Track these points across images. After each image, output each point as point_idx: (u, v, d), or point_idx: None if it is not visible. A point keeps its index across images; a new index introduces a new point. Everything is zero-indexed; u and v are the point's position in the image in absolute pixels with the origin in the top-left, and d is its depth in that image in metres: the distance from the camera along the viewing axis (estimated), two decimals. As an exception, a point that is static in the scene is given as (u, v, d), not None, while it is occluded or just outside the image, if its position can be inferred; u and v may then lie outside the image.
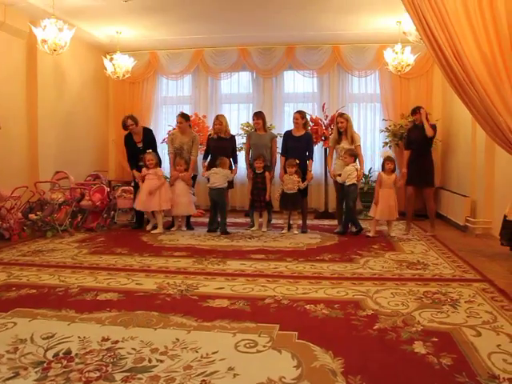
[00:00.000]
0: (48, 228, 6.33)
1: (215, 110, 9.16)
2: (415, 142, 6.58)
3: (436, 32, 4.44)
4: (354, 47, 8.83)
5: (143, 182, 6.75)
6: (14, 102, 7.08)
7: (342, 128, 6.55)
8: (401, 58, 7.65)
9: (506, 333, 2.85)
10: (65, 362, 2.47)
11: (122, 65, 8.24)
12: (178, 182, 6.78)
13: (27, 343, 2.72)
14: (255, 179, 6.72)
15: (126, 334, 2.85)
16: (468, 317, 3.14)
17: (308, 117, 7.46)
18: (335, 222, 7.05)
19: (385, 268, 4.59)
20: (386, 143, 8.51)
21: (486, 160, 6.37)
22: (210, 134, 7.18)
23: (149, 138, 7.13)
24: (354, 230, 6.55)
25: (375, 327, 2.97)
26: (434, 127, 6.58)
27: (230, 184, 6.88)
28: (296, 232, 6.60)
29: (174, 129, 8.07)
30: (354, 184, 6.37)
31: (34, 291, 3.82)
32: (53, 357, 2.54)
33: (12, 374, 2.34)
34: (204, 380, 2.28)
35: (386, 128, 8.55)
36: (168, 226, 6.98)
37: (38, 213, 6.43)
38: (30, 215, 6.39)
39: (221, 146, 6.78)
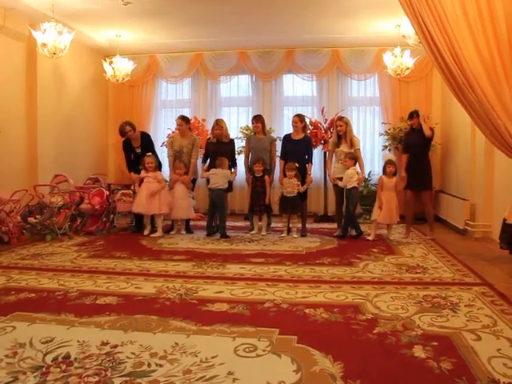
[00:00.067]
0: (47, 231, 6.33)
1: (215, 114, 9.17)
2: (413, 146, 6.60)
3: (435, 36, 4.45)
4: (353, 51, 8.84)
5: (139, 185, 6.76)
6: (14, 105, 7.07)
7: (341, 131, 6.56)
8: (400, 61, 7.66)
9: (506, 337, 2.84)
10: (64, 367, 2.46)
11: (121, 68, 8.24)
12: (177, 186, 6.78)
13: (26, 347, 2.71)
14: (255, 183, 6.72)
15: (125, 338, 2.85)
16: (468, 321, 3.14)
17: (307, 120, 7.48)
18: (335, 226, 7.04)
19: (384, 272, 4.59)
20: (386, 146, 8.52)
21: (486, 163, 6.38)
22: (209, 138, 7.17)
23: (147, 142, 7.14)
24: (353, 233, 6.55)
25: (375, 331, 2.96)
26: (432, 130, 6.61)
27: (229, 187, 6.87)
28: (295, 235, 6.59)
29: (173, 132, 8.09)
30: (354, 187, 6.38)
31: (33, 295, 3.81)
32: (52, 361, 2.53)
33: (11, 379, 2.33)
34: (203, 384, 2.28)
35: (386, 131, 8.55)
36: (167, 230, 6.97)
37: (37, 216, 6.43)
38: (30, 218, 6.39)
39: (220, 150, 6.78)
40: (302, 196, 6.63)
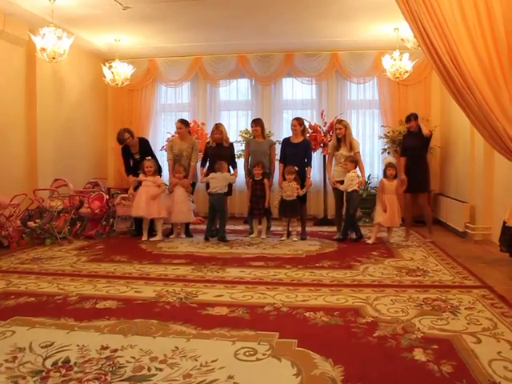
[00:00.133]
0: (47, 236, 6.32)
1: (214, 117, 9.19)
2: (411, 149, 6.61)
3: (434, 39, 4.46)
4: (352, 54, 8.86)
5: (134, 189, 6.76)
6: (13, 110, 7.08)
7: (340, 135, 6.56)
8: (399, 64, 7.68)
9: (506, 340, 2.84)
10: (64, 371, 2.46)
11: (120, 72, 8.26)
12: (177, 189, 6.78)
13: (26, 352, 2.70)
14: (254, 186, 6.71)
15: (125, 343, 2.84)
16: (468, 324, 3.13)
17: (307, 124, 7.49)
18: (334, 229, 7.04)
19: (384, 275, 4.58)
20: (385, 149, 8.52)
21: (485, 166, 6.38)
22: (208, 142, 7.17)
23: (145, 147, 7.14)
24: (353, 236, 6.55)
25: (375, 334, 2.96)
26: (430, 132, 6.65)
27: (229, 191, 6.86)
28: (295, 239, 6.59)
29: (172, 136, 8.09)
30: (355, 190, 6.38)
31: (33, 299, 3.80)
32: (51, 365, 2.53)
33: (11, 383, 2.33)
34: (203, 389, 2.27)
35: (385, 134, 8.56)
36: (167, 234, 6.97)
37: (36, 220, 6.43)
38: (29, 223, 6.38)
39: (220, 154, 6.78)
40: (302, 199, 6.63)
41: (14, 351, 2.71)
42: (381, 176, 6.57)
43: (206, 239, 6.57)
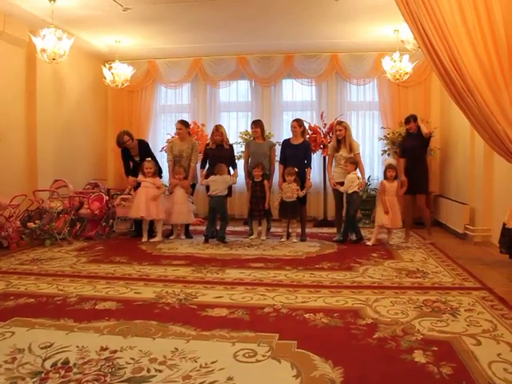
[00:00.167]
0: (47, 236, 6.32)
1: (214, 119, 9.19)
2: (409, 150, 6.61)
3: (434, 41, 4.46)
4: (352, 55, 8.86)
5: (135, 189, 6.76)
6: (13, 111, 7.08)
7: (340, 136, 6.57)
8: (399, 66, 7.68)
9: (506, 341, 2.84)
10: (63, 372, 2.46)
11: (120, 73, 8.25)
12: (177, 190, 6.78)
13: (25, 353, 2.70)
14: (254, 187, 6.71)
15: (124, 344, 2.84)
16: (468, 325, 3.13)
17: (306, 125, 7.49)
18: (334, 230, 7.04)
19: (384, 276, 4.58)
20: (385, 151, 8.53)
21: (485, 168, 6.38)
22: (207, 144, 7.16)
23: (145, 150, 7.13)
24: (353, 238, 6.54)
25: (375, 336, 2.96)
26: (430, 136, 6.67)
27: (229, 193, 6.86)
28: (295, 240, 6.59)
29: (172, 137, 8.09)
30: (355, 192, 6.38)
31: (33, 300, 3.80)
32: (51, 367, 2.52)
33: (10, 385, 2.33)
34: (203, 390, 2.27)
35: (385, 136, 8.56)
36: (167, 235, 6.97)
37: (36, 221, 6.43)
38: (29, 224, 6.38)
39: (220, 155, 6.78)
40: (302, 201, 6.63)
41: (14, 352, 2.71)
42: (381, 177, 6.57)
43: (206, 240, 6.56)
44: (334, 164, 6.77)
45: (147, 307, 3.61)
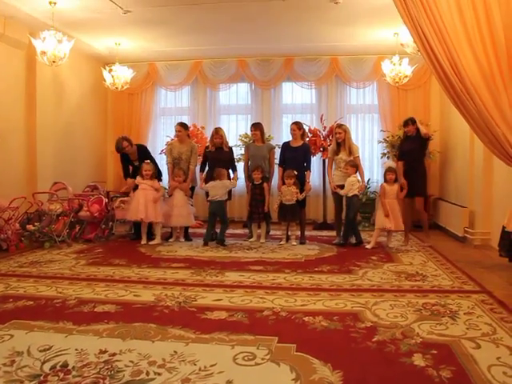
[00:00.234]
0: (46, 239, 6.32)
1: (214, 121, 9.20)
2: (407, 153, 6.61)
3: (434, 45, 4.46)
4: (351, 59, 8.88)
5: (133, 190, 6.76)
6: (13, 113, 7.09)
7: (339, 139, 6.57)
8: (398, 69, 7.70)
9: (505, 345, 2.83)
10: (62, 375, 2.45)
11: (120, 76, 8.26)
12: (176, 193, 6.78)
13: (24, 356, 2.70)
14: (253, 190, 6.71)
15: (123, 347, 2.83)
16: (467, 329, 3.13)
17: (306, 128, 7.50)
18: (334, 233, 7.04)
19: (383, 279, 4.58)
20: (384, 154, 8.53)
21: (484, 171, 6.39)
22: (207, 147, 7.16)
23: (144, 154, 7.13)
24: (353, 241, 6.54)
25: (374, 339, 2.95)
26: (428, 137, 6.67)
27: (229, 196, 6.85)
28: (294, 243, 6.58)
29: (172, 139, 8.09)
30: (355, 195, 6.38)
31: (32, 303, 3.80)
32: (50, 370, 2.52)
33: (8, 388, 2.33)
34: (202, 393, 2.27)
35: (384, 139, 8.57)
36: (166, 237, 6.96)
37: (35, 223, 6.42)
38: (28, 226, 6.37)
39: (220, 158, 6.79)
40: (301, 204, 6.63)
41: (12, 355, 2.70)
42: (380, 180, 6.57)
43: (206, 243, 6.56)
44: (333, 167, 6.77)
45: (146, 310, 3.61)
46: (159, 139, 9.49)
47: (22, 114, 7.28)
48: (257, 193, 6.68)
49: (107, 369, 2.52)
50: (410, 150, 6.57)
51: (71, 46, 6.46)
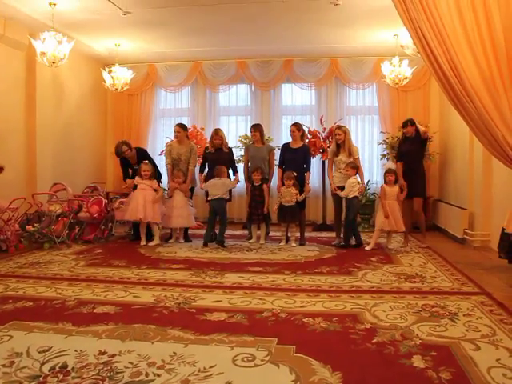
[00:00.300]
0: (45, 240, 6.31)
1: (213, 123, 9.21)
2: (406, 155, 6.61)
3: (433, 46, 4.47)
4: (351, 60, 8.89)
5: (133, 191, 6.77)
6: (13, 114, 7.09)
7: (339, 140, 6.57)
8: (398, 70, 7.71)
9: (505, 347, 2.83)
10: (61, 376, 2.45)
11: (120, 77, 8.27)
12: (176, 194, 6.78)
13: (23, 357, 2.69)
14: (253, 191, 6.71)
15: (122, 348, 2.83)
16: (467, 330, 3.13)
17: (306, 129, 7.50)
18: (333, 235, 7.04)
19: (383, 281, 4.58)
20: (384, 155, 8.54)
21: (484, 172, 6.39)
22: (206, 148, 7.16)
23: (143, 157, 7.11)
24: (352, 242, 6.54)
25: (373, 341, 2.95)
26: (427, 137, 6.68)
27: (229, 197, 6.84)
28: (294, 244, 6.58)
29: (171, 140, 8.09)
30: (356, 197, 6.39)
31: (31, 304, 3.79)
32: (49, 371, 2.52)
33: (7, 389, 2.32)
34: (201, 394, 2.27)
35: (384, 140, 8.58)
36: (166, 238, 6.96)
37: (35, 224, 6.41)
38: (28, 227, 6.37)
39: (219, 159, 6.78)
40: (301, 205, 6.63)
41: (12, 356, 2.70)
42: (380, 182, 6.57)
43: (205, 244, 6.55)
44: (333, 168, 6.77)
45: (146, 311, 3.61)
46: (159, 140, 9.50)
47: (21, 115, 7.29)
48: (256, 194, 6.69)
49: (106, 370, 2.52)
50: (409, 151, 6.58)
51: (71, 47, 6.47)
